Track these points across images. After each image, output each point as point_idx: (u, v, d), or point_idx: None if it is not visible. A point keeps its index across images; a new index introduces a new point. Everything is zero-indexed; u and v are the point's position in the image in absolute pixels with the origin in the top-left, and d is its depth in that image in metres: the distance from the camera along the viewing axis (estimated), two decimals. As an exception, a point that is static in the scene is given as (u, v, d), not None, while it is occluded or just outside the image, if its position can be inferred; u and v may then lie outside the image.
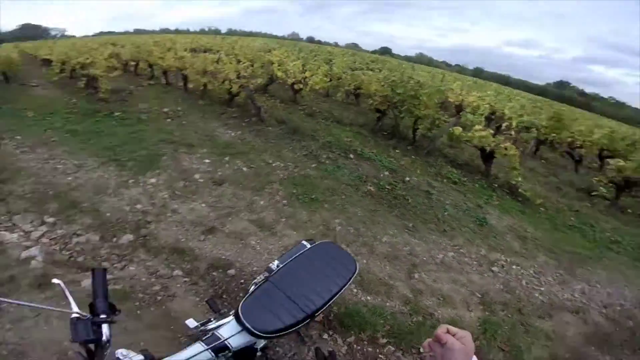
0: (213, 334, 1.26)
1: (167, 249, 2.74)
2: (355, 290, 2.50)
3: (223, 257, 2.73)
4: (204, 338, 1.23)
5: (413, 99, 5.40)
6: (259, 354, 1.47)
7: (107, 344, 0.93)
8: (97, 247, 2.70)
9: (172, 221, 3.06)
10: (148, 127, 5.19)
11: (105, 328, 0.93)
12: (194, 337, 1.46)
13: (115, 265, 2.57)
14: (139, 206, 3.23)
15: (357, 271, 1.50)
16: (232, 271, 2.59)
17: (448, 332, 0.70)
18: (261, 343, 1.44)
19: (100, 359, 0.93)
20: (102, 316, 0.94)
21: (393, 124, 6.22)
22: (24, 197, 3.31)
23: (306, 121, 6.04)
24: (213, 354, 1.19)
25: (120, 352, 0.96)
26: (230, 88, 6.05)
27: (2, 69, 9.21)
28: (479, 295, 2.73)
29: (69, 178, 3.67)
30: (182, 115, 5.89)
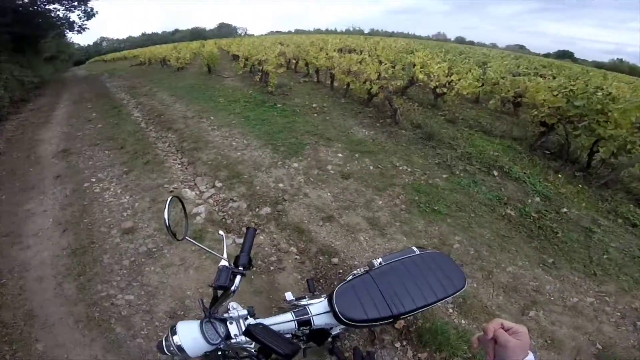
0: (304, 308, 1.41)
1: (292, 227, 3.18)
2: (450, 309, 2.37)
3: (332, 245, 2.98)
4: (294, 310, 1.40)
5: (598, 114, 4.23)
6: (329, 339, 1.55)
7: (232, 294, 1.10)
8: (243, 214, 3.37)
9: (302, 203, 3.54)
10: (299, 119, 6.04)
11: (237, 279, 1.10)
12: (286, 308, 1.63)
13: (252, 232, 3.23)
14: (280, 185, 3.86)
15: (462, 289, 1.42)
16: (335, 259, 2.78)
17: (502, 327, 0.65)
18: (337, 330, 1.52)
19: (220, 305, 1.15)
20: (240, 268, 1.14)
21: (561, 143, 5.11)
22: (206, 163, 4.46)
23: (445, 128, 5.73)
24: (296, 325, 1.35)
25: (231, 304, 1.17)
26: (370, 88, 6.33)
27: (207, 62, 12.31)
28: (599, 347, 2.21)
29: (238, 153, 4.70)
30: (327, 111, 6.56)
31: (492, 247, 3.02)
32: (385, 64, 6.56)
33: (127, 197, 3.79)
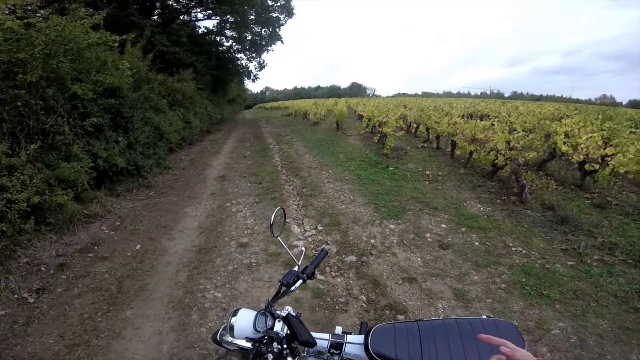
0: (342, 335, 1.48)
1: (369, 278, 3.25)
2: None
3: (404, 303, 2.89)
4: (332, 333, 1.49)
5: None
6: None
7: (290, 292, 1.40)
8: (331, 256, 3.64)
9: (388, 261, 3.55)
10: (407, 185, 6.09)
11: (298, 282, 1.40)
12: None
13: (331, 272, 3.37)
14: (372, 241, 3.98)
15: None
16: (401, 317, 2.71)
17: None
18: None
19: (278, 300, 1.42)
20: (304, 275, 1.43)
21: None
22: (316, 208, 5.02)
23: (588, 213, 4.70)
24: (329, 345, 1.44)
25: (287, 307, 1.36)
26: (495, 159, 5.86)
27: (336, 120, 13.91)
28: None
29: (343, 206, 5.10)
30: (440, 180, 6.39)
31: (604, 338, 2.46)
32: (518, 132, 5.95)
33: (251, 220, 4.66)
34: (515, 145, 5.59)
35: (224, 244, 3.97)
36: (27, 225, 3.37)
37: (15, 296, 2.94)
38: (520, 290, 3.04)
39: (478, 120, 7.68)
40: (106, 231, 4.30)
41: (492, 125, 6.71)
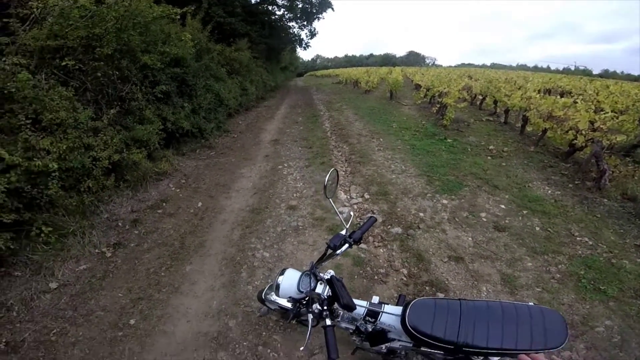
0: (380, 304, 1.51)
1: (413, 252, 3.20)
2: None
3: (446, 282, 2.82)
4: (370, 301, 1.52)
5: None
6: (383, 348, 1.57)
7: (336, 256, 1.46)
8: (375, 226, 3.60)
9: (436, 236, 3.44)
10: (467, 159, 5.68)
11: (345, 246, 1.45)
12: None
13: (375, 243, 3.36)
14: (421, 214, 3.86)
15: (554, 349, 1.21)
16: (441, 294, 2.66)
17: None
18: (395, 343, 1.50)
19: (323, 262, 1.50)
20: (351, 240, 1.47)
21: None
22: (364, 176, 4.98)
23: (680, 208, 4.02)
24: (365, 313, 1.48)
25: (330, 271, 1.40)
26: (574, 139, 5.15)
27: (390, 88, 13.24)
28: None
29: (393, 176, 4.96)
30: (505, 157, 5.84)
31: None
32: (606, 113, 5.13)
33: (301, 184, 4.82)
34: (601, 126, 4.84)
35: (275, 205, 4.18)
36: (108, 182, 3.83)
37: (96, 251, 3.24)
38: (576, 283, 2.80)
39: (558, 97, 6.69)
40: (173, 188, 4.77)
41: (575, 102, 5.85)
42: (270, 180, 5.02)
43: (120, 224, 3.75)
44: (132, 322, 2.48)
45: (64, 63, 3.72)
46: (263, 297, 1.93)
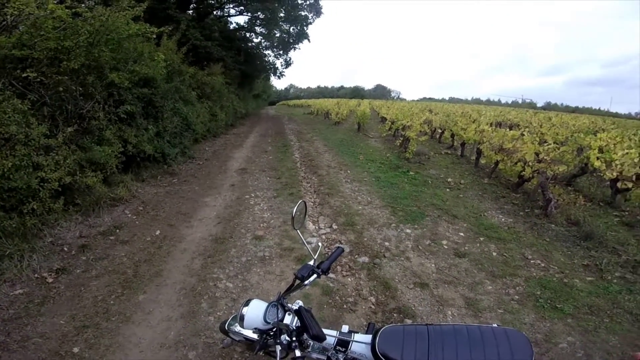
0: (349, 333, 1.48)
1: (380, 280, 3.21)
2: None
3: (413, 307, 2.85)
4: (340, 331, 1.49)
5: None
6: None
7: (304, 286, 1.44)
8: (343, 256, 3.59)
9: (400, 265, 3.49)
10: (428, 191, 5.96)
11: (313, 277, 1.43)
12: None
13: (342, 272, 3.34)
14: (386, 243, 3.92)
15: None
16: (409, 320, 2.67)
17: None
18: None
19: (291, 293, 1.46)
20: (319, 270, 1.45)
21: None
22: (332, 207, 5.01)
23: (616, 230, 4.47)
24: (335, 342, 1.44)
25: (298, 301, 1.37)
26: (522, 171, 5.64)
27: (358, 121, 13.83)
28: None
29: (360, 207, 5.06)
30: (462, 189, 6.21)
31: (611, 354, 2.41)
32: (549, 144, 5.70)
33: (268, 214, 4.72)
34: (545, 157, 5.36)
35: (240, 235, 4.05)
36: (56, 205, 3.54)
37: (35, 275, 3.01)
38: (534, 303, 2.95)
39: (507, 130, 7.37)
40: (129, 215, 4.48)
41: (522, 135, 6.46)
42: (236, 210, 4.88)
43: (65, 248, 3.45)
44: (75, 350, 2.26)
45: (25, 74, 3.52)
46: (226, 328, 1.82)
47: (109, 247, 3.61)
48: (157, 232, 4.05)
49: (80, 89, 4.26)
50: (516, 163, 5.88)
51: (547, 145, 5.64)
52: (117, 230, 4.00)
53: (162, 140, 6.50)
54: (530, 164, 5.44)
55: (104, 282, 3.01)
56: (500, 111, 20.01)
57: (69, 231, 3.71)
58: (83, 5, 4.82)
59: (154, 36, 5.64)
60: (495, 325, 1.42)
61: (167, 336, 2.43)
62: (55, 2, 3.75)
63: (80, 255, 3.39)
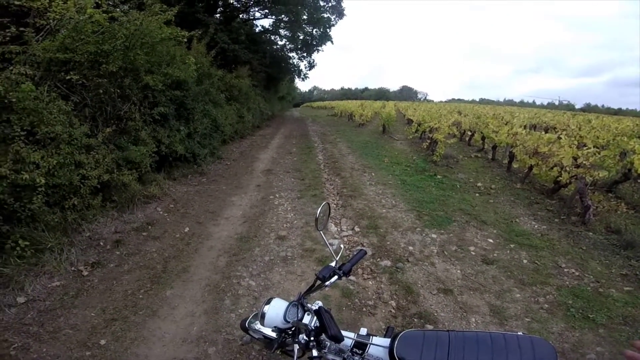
0: (367, 335, 1.45)
1: (402, 284, 3.14)
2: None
3: (435, 314, 2.76)
4: (358, 333, 1.47)
5: None
6: None
7: (324, 287, 1.44)
8: (365, 259, 3.54)
9: (424, 269, 3.41)
10: (456, 195, 5.77)
11: (334, 278, 1.43)
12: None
13: (364, 275, 3.31)
14: (410, 248, 3.84)
15: None
16: (430, 326, 2.60)
17: None
18: None
19: (311, 293, 1.46)
20: (340, 272, 1.44)
21: None
22: (355, 209, 4.98)
23: (661, 241, 4.13)
24: (353, 344, 1.42)
25: (318, 302, 1.35)
26: (558, 176, 5.32)
27: (383, 123, 13.65)
28: None
29: (384, 210, 4.99)
30: (492, 194, 5.96)
31: None
32: (588, 148, 5.34)
33: (291, 215, 4.78)
34: (584, 162, 5.03)
35: (264, 234, 4.12)
36: (95, 201, 3.76)
37: (73, 268, 3.16)
38: (565, 312, 2.79)
39: (542, 132, 6.96)
40: (160, 212, 4.70)
41: (559, 138, 6.09)
42: (261, 209, 4.98)
43: (101, 243, 3.64)
44: (102, 342, 2.36)
45: (68, 77, 3.73)
46: (247, 325, 1.86)
47: (141, 243, 3.80)
48: (186, 229, 4.21)
49: (118, 91, 4.49)
50: (552, 168, 5.56)
51: (587, 149, 5.28)
52: (149, 227, 4.20)
53: (192, 141, 6.76)
54: (567, 169, 5.12)
55: (135, 277, 3.15)
56: (535, 113, 18.95)
57: (105, 226, 3.93)
58: (118, 9, 5.08)
59: (185, 40, 5.85)
60: (520, 333, 1.35)
61: (189, 331, 2.51)
62: (93, 7, 3.96)
63: (114, 250, 3.57)
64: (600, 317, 2.73)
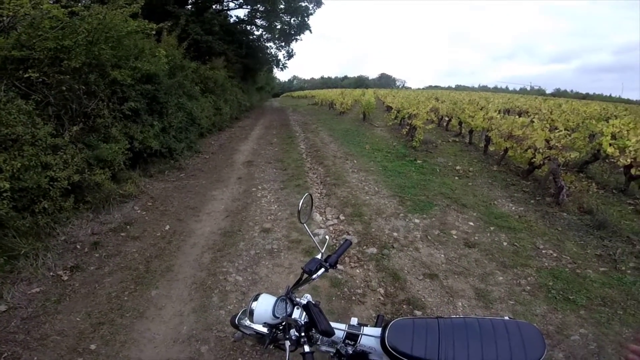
0: (358, 326, 1.46)
1: (389, 271, 3.19)
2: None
3: (422, 299, 2.82)
4: (349, 324, 1.48)
5: None
6: None
7: (311, 280, 1.40)
8: (351, 247, 3.50)
9: (410, 255, 3.47)
10: (436, 179, 5.89)
11: (320, 271, 1.40)
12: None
13: (351, 263, 3.34)
14: (395, 234, 3.90)
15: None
16: (418, 312, 2.65)
17: None
18: (376, 358, 1.46)
19: (299, 287, 1.44)
20: (327, 264, 1.42)
21: None
22: (339, 198, 4.99)
23: (630, 219, 4.36)
24: (344, 336, 1.43)
25: (307, 295, 1.36)
26: (533, 158, 5.53)
27: (363, 110, 13.68)
28: None
29: (367, 197, 5.03)
30: (471, 177, 6.12)
31: (625, 346, 2.36)
32: (560, 131, 5.57)
33: (275, 206, 4.73)
34: (556, 144, 5.23)
35: (248, 228, 4.06)
36: (66, 203, 3.58)
37: (51, 273, 3.05)
38: (546, 294, 2.91)
39: (516, 117, 7.20)
40: (138, 211, 4.53)
41: (532, 122, 6.32)
42: (244, 203, 4.90)
43: (78, 246, 3.49)
44: (92, 347, 2.29)
45: (27, 75, 3.52)
46: (237, 322, 1.84)
47: (120, 244, 3.66)
48: (167, 227, 4.08)
49: (83, 87, 4.25)
50: (526, 150, 5.77)
51: (558, 131, 5.50)
52: (128, 227, 4.04)
53: (167, 135, 6.52)
54: (540, 150, 5.32)
55: (117, 279, 3.05)
56: (509, 98, 19.50)
57: (80, 229, 3.76)
58: (79, 4, 4.79)
59: (154, 32, 5.61)
60: (507, 317, 1.40)
61: (179, 331, 2.46)
62: (51, 1, 3.73)
63: (93, 253, 3.43)
64: (580, 298, 2.85)
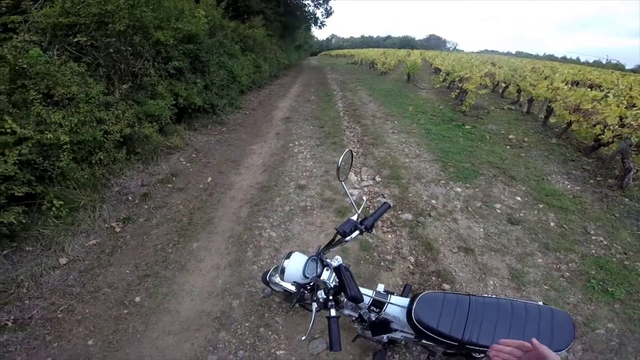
0: (385, 294, 1.46)
1: (422, 240, 3.12)
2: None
3: (453, 273, 2.74)
4: (376, 290, 1.48)
5: None
6: (384, 339, 1.55)
7: (344, 242, 1.36)
8: (386, 212, 3.51)
9: (446, 225, 3.34)
10: (484, 147, 5.48)
11: (355, 233, 1.36)
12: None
13: (383, 228, 3.30)
14: (433, 201, 3.76)
15: (562, 350, 1.18)
16: (447, 286, 2.59)
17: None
18: (398, 334, 1.48)
19: (331, 248, 1.43)
20: (362, 226, 1.37)
21: None
22: (376, 158, 4.88)
23: None
24: (370, 302, 1.43)
25: (337, 257, 1.34)
26: (601, 134, 4.88)
27: (408, 71, 12.82)
28: None
29: (407, 160, 4.85)
30: (524, 147, 5.61)
31: None
32: (638, 109, 4.82)
33: (311, 163, 4.78)
34: (632, 122, 4.55)
35: (284, 184, 4.15)
36: (120, 154, 3.84)
37: (106, 225, 3.23)
38: (584, 283, 2.71)
39: (587, 89, 6.29)
40: (183, 162, 4.78)
41: (606, 96, 5.51)
42: (281, 157, 4.97)
43: (130, 197, 3.77)
44: (137, 299, 2.46)
45: (76, 40, 3.73)
46: (268, 278, 1.91)
47: (167, 195, 3.91)
48: (209, 179, 4.28)
49: (130, 49, 4.40)
50: (594, 125, 5.08)
51: (636, 109, 4.75)
52: (174, 178, 4.30)
53: (210, 92, 6.65)
54: (611, 127, 4.67)
55: (163, 231, 3.25)
56: (579, 70, 16.89)
57: (132, 180, 4.05)
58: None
59: (192, -7, 5.56)
60: (541, 303, 1.34)
61: (215, 284, 2.61)
62: None
63: (142, 204, 3.68)
64: (619, 291, 2.63)
